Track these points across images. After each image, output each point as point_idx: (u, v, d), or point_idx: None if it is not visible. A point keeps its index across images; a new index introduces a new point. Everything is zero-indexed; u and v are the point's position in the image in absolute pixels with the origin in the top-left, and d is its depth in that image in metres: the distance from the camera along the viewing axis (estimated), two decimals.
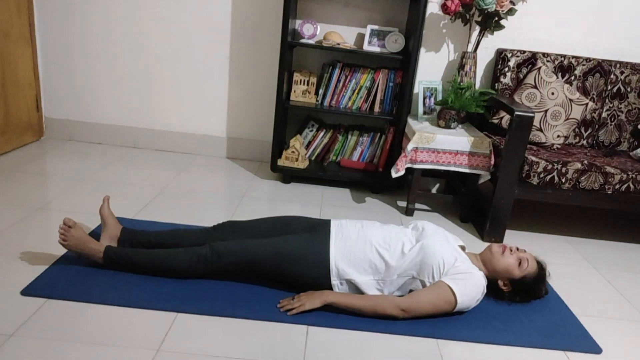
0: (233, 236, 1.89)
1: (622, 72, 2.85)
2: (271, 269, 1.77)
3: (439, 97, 2.85)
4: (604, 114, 2.89)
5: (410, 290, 1.80)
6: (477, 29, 2.86)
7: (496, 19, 2.71)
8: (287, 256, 1.75)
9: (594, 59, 2.85)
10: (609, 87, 2.87)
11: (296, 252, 1.76)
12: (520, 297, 1.91)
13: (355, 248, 1.78)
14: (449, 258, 1.75)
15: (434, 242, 1.78)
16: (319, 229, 1.85)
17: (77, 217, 2.22)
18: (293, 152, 2.93)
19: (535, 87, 2.73)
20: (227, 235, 1.90)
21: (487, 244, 2.46)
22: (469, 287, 1.73)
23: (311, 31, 2.87)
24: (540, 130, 2.73)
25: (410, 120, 2.78)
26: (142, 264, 1.79)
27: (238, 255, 1.76)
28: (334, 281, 1.77)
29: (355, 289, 1.78)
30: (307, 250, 1.76)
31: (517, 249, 1.89)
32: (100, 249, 1.79)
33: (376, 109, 2.97)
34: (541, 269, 1.90)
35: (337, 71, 2.92)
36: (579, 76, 2.86)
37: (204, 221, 2.34)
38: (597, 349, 1.74)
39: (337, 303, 1.72)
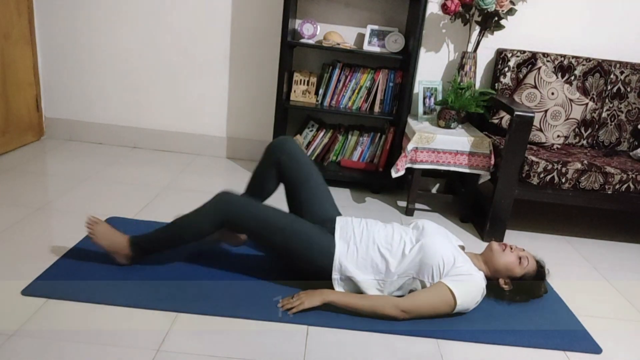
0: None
1: (622, 72, 2.85)
2: (279, 239, 1.75)
3: (439, 97, 2.85)
4: (604, 114, 2.89)
5: (411, 291, 1.80)
6: (477, 29, 2.86)
7: (496, 19, 2.71)
8: (298, 234, 1.75)
9: (594, 59, 2.85)
10: (609, 87, 2.87)
11: (307, 233, 1.77)
12: (520, 296, 1.91)
13: (360, 247, 1.78)
14: (449, 258, 1.75)
15: (433, 241, 1.78)
16: (326, 225, 1.86)
17: (77, 217, 2.23)
18: None
19: (535, 87, 2.73)
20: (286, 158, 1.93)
21: (487, 244, 2.46)
22: (468, 288, 1.73)
23: (311, 31, 2.87)
24: (540, 130, 2.73)
25: (410, 120, 2.78)
26: (165, 237, 1.79)
27: (252, 211, 1.75)
28: (335, 275, 1.77)
29: (355, 287, 1.79)
30: (316, 238, 1.77)
31: (517, 247, 1.91)
32: (124, 239, 1.80)
33: (376, 109, 2.97)
34: (540, 266, 1.91)
35: (337, 71, 2.92)
36: (579, 76, 2.86)
37: None
38: (597, 349, 1.73)
39: (337, 302, 1.72)
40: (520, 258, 1.86)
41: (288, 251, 1.77)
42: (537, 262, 1.91)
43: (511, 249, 1.88)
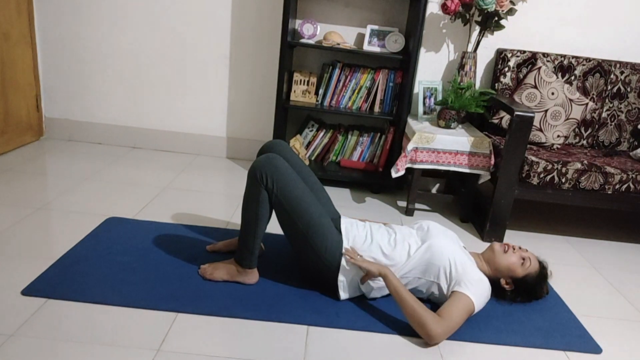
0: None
1: (622, 72, 2.85)
2: (302, 225, 1.74)
3: (439, 97, 2.85)
4: (604, 114, 2.89)
5: (413, 290, 1.80)
6: (477, 29, 2.86)
7: (496, 19, 2.71)
8: (320, 227, 1.74)
9: (594, 59, 2.85)
10: (609, 87, 2.87)
11: (327, 231, 1.75)
12: (521, 297, 1.91)
13: (362, 250, 1.78)
14: (455, 259, 1.74)
15: (441, 243, 1.77)
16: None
17: (77, 217, 2.23)
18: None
19: (535, 87, 2.73)
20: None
21: (487, 244, 2.47)
22: (482, 293, 1.72)
23: (311, 31, 2.87)
24: (540, 130, 2.73)
25: (410, 120, 2.78)
26: (242, 230, 1.82)
27: (292, 185, 1.73)
28: (341, 278, 1.77)
29: (360, 292, 1.80)
30: (331, 237, 1.76)
31: (520, 247, 1.89)
32: (232, 262, 1.86)
33: (376, 109, 2.97)
34: (543, 268, 1.90)
35: (337, 71, 2.92)
36: (579, 76, 2.86)
37: (204, 221, 2.34)
38: (597, 349, 1.74)
39: (391, 279, 1.69)
40: (522, 259, 1.85)
41: (304, 239, 1.75)
42: (540, 262, 1.90)
43: (513, 249, 1.87)
